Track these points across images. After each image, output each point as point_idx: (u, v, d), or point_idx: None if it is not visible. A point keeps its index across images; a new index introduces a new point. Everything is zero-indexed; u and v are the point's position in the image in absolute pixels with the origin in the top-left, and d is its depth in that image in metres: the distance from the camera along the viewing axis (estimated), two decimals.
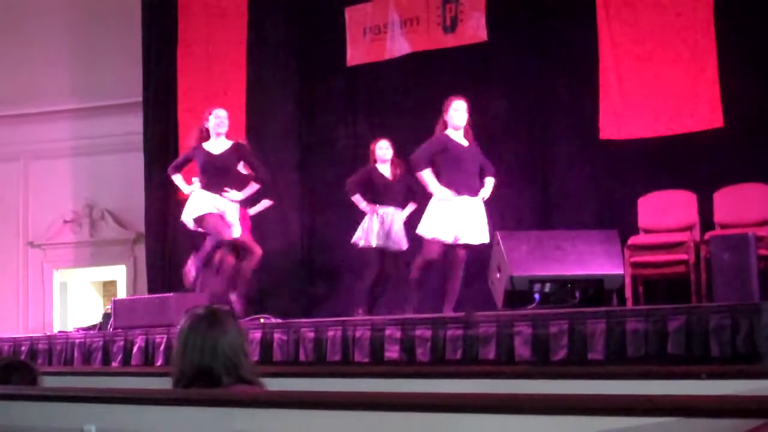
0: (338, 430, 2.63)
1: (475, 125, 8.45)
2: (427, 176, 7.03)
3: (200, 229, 7.70)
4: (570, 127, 8.22)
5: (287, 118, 9.55)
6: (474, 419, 2.47)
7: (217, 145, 7.62)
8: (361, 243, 7.84)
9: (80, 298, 11.92)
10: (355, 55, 9.17)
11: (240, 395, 2.91)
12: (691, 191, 7.45)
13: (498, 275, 6.63)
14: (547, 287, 6.44)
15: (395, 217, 7.84)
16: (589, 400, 2.47)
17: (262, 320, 7.16)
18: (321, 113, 9.39)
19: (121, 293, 11.11)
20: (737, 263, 5.75)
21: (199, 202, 7.53)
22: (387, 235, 7.79)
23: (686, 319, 5.33)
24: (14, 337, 8.55)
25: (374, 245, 7.79)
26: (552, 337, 5.66)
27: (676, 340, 5.31)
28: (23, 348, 8.08)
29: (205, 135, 7.63)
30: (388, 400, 2.70)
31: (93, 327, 8.49)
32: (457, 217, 6.93)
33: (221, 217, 7.52)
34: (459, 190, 6.96)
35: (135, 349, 7.36)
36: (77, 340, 7.84)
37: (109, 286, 12.03)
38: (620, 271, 6.54)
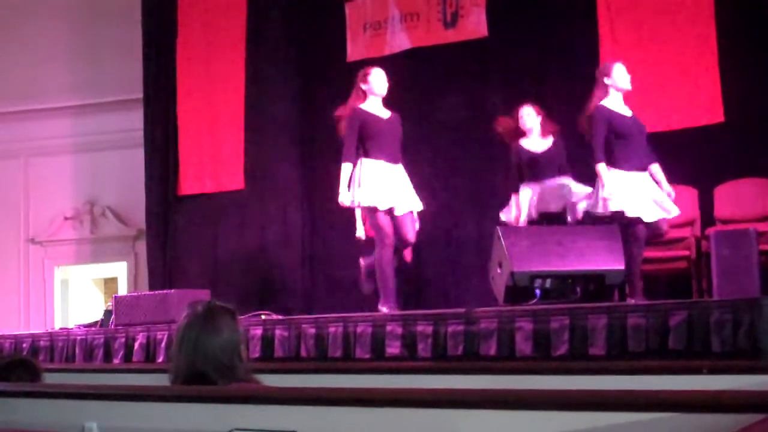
0: (340, 427, 2.63)
1: (475, 120, 8.47)
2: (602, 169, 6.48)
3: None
4: (571, 122, 8.20)
5: (287, 113, 9.54)
6: (475, 415, 2.47)
7: (380, 109, 6.86)
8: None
9: (81, 295, 11.92)
10: (355, 50, 9.16)
11: (241, 391, 2.91)
12: (691, 186, 7.45)
13: (499, 271, 6.63)
14: (548, 283, 6.43)
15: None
16: (590, 395, 2.47)
17: (263, 317, 7.16)
18: (321, 109, 9.36)
19: (122, 290, 11.11)
20: (738, 259, 5.75)
21: (376, 188, 6.67)
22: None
23: (687, 314, 5.33)
24: (16, 334, 8.55)
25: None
26: (553, 333, 5.66)
27: (677, 335, 5.31)
28: (25, 345, 8.08)
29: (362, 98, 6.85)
30: (390, 396, 2.70)
31: (94, 324, 8.49)
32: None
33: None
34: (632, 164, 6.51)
35: (136, 345, 7.36)
36: (78, 337, 7.84)
37: (110, 283, 12.03)
38: (621, 267, 6.53)
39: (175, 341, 3.10)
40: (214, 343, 3.00)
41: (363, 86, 6.84)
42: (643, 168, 6.61)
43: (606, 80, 6.65)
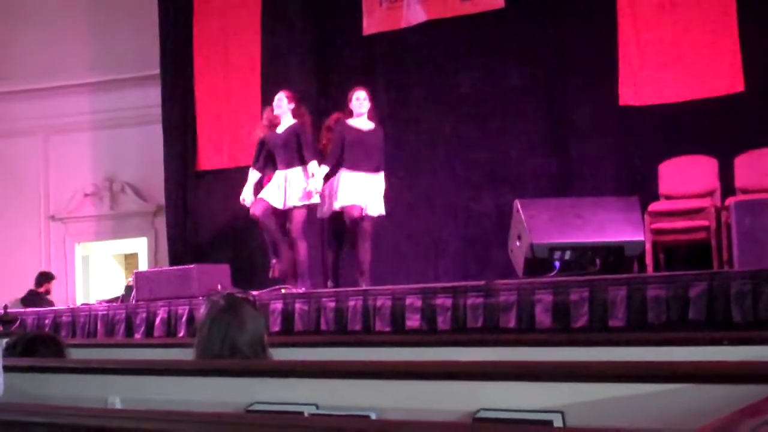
0: (360, 400, 2.65)
1: (493, 93, 8.43)
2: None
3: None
4: (589, 93, 8.16)
5: (303, 88, 9.51)
6: (495, 387, 2.48)
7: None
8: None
9: (102, 271, 12.02)
10: (372, 23, 9.12)
11: (261, 365, 2.94)
12: (711, 156, 7.39)
13: (518, 243, 6.62)
14: (568, 255, 6.42)
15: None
16: (610, 367, 2.47)
17: (283, 291, 7.19)
18: (337, 82, 9.35)
19: (143, 265, 11.18)
20: (758, 228, 5.72)
21: None
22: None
23: (707, 285, 5.31)
24: (38, 310, 8.63)
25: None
26: (572, 305, 5.65)
27: (698, 306, 5.30)
28: (47, 321, 8.16)
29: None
30: (409, 369, 2.71)
31: (115, 299, 8.55)
32: None
33: None
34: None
35: (157, 320, 7.42)
36: (100, 313, 7.90)
37: (130, 259, 12.12)
38: (641, 238, 6.51)
39: (200, 333, 3.12)
40: (240, 338, 3.04)
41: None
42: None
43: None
